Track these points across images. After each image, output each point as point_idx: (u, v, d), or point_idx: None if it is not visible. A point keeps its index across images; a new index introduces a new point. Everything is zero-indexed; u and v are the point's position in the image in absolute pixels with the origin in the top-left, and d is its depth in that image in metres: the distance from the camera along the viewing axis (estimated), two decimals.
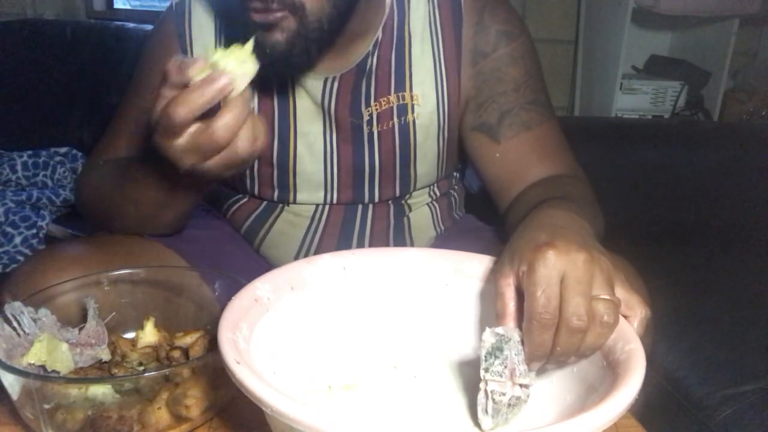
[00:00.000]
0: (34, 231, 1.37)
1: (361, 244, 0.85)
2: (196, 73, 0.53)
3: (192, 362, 0.56)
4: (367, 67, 0.78)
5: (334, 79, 0.77)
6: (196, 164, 0.56)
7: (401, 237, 0.87)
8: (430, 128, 0.81)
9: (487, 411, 0.47)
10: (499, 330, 0.47)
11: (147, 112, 0.78)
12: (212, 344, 0.58)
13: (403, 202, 0.87)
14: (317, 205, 0.84)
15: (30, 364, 0.55)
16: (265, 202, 0.86)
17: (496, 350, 0.47)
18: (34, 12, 1.90)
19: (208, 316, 0.64)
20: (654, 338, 0.78)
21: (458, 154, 0.88)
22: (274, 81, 0.79)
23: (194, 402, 0.52)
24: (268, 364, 0.48)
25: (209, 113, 0.54)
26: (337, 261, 0.58)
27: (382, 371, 0.57)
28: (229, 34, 0.79)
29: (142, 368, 0.59)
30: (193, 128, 0.54)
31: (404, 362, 0.58)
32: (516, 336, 0.47)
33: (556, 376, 0.51)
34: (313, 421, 0.35)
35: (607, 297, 0.45)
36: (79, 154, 1.63)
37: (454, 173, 0.95)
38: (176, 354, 0.58)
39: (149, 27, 1.69)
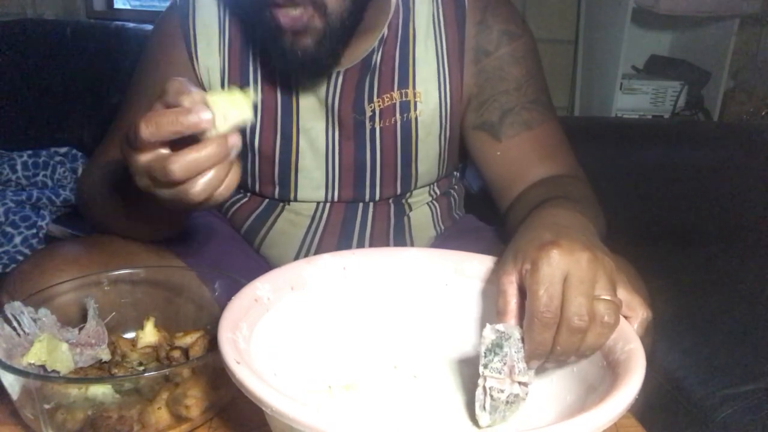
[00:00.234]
0: (34, 231, 1.37)
1: (361, 244, 0.85)
2: (187, 103, 0.49)
3: (192, 362, 0.56)
4: (372, 63, 0.78)
5: (338, 74, 0.77)
6: (149, 188, 0.52)
7: (401, 236, 0.87)
8: (432, 126, 0.81)
9: (484, 407, 0.47)
10: (500, 327, 0.47)
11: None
12: (212, 344, 0.58)
13: (403, 201, 0.87)
14: (318, 204, 0.84)
15: (30, 364, 0.55)
16: (265, 202, 0.86)
17: (496, 347, 0.47)
18: (34, 12, 1.90)
19: (208, 316, 0.64)
20: (654, 338, 0.78)
21: (459, 153, 0.88)
22: (278, 78, 0.79)
23: (194, 402, 0.52)
24: (268, 364, 0.48)
25: (188, 141, 0.49)
26: (337, 261, 0.58)
27: (382, 371, 0.57)
28: (234, 32, 0.79)
29: (142, 368, 0.59)
30: (155, 153, 0.50)
31: (404, 362, 0.58)
32: (516, 333, 0.47)
33: (556, 375, 0.51)
34: (313, 421, 0.35)
35: (608, 298, 0.45)
36: (79, 154, 1.63)
37: (455, 172, 0.95)
38: (176, 354, 0.58)
39: (149, 27, 1.69)
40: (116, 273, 0.65)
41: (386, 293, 0.59)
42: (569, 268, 0.45)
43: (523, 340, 0.47)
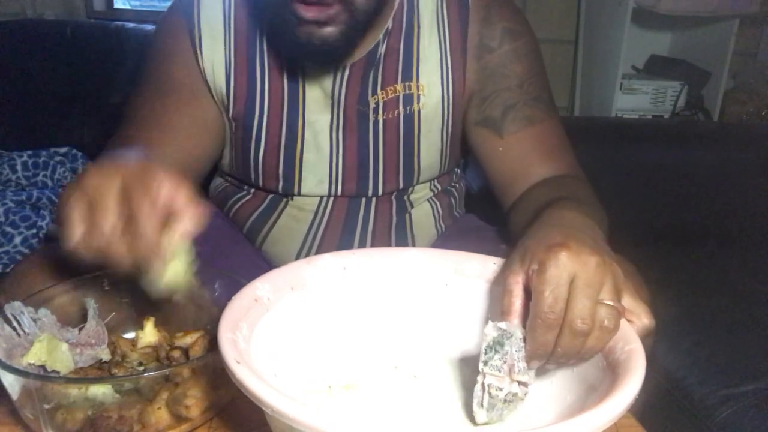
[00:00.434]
0: (34, 231, 1.37)
1: (363, 241, 0.85)
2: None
3: (192, 362, 0.56)
4: (377, 56, 0.79)
5: (345, 68, 0.78)
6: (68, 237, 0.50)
7: (403, 234, 0.88)
8: (435, 119, 0.82)
9: (482, 404, 0.47)
10: (502, 325, 0.47)
11: (160, 109, 0.77)
12: (212, 344, 0.58)
13: (405, 197, 0.87)
14: (321, 198, 0.85)
15: (30, 364, 0.55)
16: (269, 198, 0.87)
17: (497, 344, 0.47)
18: (34, 12, 1.90)
19: (208, 316, 0.64)
20: (654, 338, 0.78)
21: (461, 150, 0.89)
22: (284, 71, 0.79)
23: (194, 402, 0.52)
24: (268, 364, 0.48)
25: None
26: (337, 261, 0.58)
27: (382, 371, 0.57)
28: (239, 26, 0.79)
29: (142, 368, 0.59)
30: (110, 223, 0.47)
31: (404, 362, 0.58)
32: (518, 333, 0.47)
33: (556, 376, 0.51)
34: (313, 421, 0.35)
35: (611, 303, 0.45)
36: (79, 154, 1.63)
37: (455, 169, 0.95)
38: (176, 354, 0.58)
39: (149, 27, 1.70)
40: (117, 273, 0.65)
41: (386, 293, 0.59)
42: (576, 271, 0.45)
43: (524, 339, 0.47)
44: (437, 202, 0.91)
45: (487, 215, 0.99)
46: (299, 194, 0.84)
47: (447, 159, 0.86)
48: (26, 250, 1.34)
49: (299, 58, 0.77)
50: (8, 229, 1.36)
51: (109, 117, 1.66)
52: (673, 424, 0.97)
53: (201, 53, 0.79)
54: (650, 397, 0.88)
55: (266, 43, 0.79)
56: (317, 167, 0.83)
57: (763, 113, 1.96)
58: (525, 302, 0.48)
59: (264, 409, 0.38)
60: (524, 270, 0.48)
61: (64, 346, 0.58)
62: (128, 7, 2.07)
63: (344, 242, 0.84)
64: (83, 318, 0.63)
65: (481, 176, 0.88)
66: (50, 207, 1.46)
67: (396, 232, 0.87)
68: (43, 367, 0.56)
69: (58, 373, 0.56)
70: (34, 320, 0.59)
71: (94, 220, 0.47)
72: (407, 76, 0.80)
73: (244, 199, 0.89)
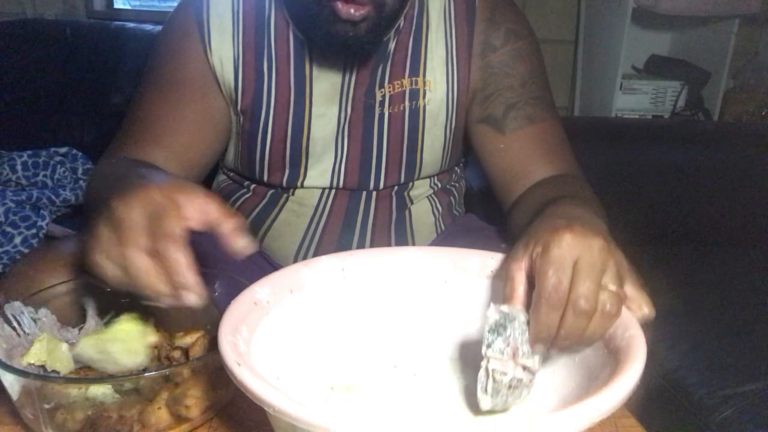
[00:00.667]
0: (34, 231, 1.37)
1: (363, 237, 0.85)
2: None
3: (192, 362, 0.56)
4: (387, 51, 0.81)
5: (356, 62, 0.80)
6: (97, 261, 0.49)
7: (402, 230, 0.88)
8: (439, 115, 0.83)
9: (486, 390, 0.46)
10: (504, 308, 0.46)
11: (168, 104, 0.78)
12: (212, 344, 0.58)
13: (405, 193, 0.88)
14: (323, 191, 0.85)
15: (30, 364, 0.55)
16: (269, 193, 0.87)
17: (500, 327, 0.46)
18: (34, 12, 1.90)
19: (208, 316, 0.64)
20: (654, 338, 0.78)
21: (462, 149, 0.90)
22: (292, 66, 0.80)
23: (194, 402, 0.52)
24: (269, 367, 0.48)
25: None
26: (335, 263, 0.58)
27: (382, 371, 0.57)
28: (248, 22, 0.80)
29: (142, 368, 0.59)
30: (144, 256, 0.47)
31: (404, 361, 0.58)
32: (522, 317, 0.46)
33: (558, 365, 0.51)
34: (315, 419, 0.35)
35: (613, 288, 0.45)
36: (79, 154, 1.63)
37: (456, 168, 0.96)
38: (176, 354, 0.58)
39: (149, 27, 1.70)
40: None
41: (385, 293, 0.59)
42: (580, 253, 0.45)
43: (527, 324, 0.46)
44: (436, 200, 0.91)
45: (487, 215, 0.99)
46: (302, 186, 0.85)
47: (449, 156, 0.87)
48: (26, 251, 1.34)
49: (333, 53, 0.79)
50: (8, 229, 1.36)
51: (109, 117, 1.67)
52: (673, 424, 0.97)
53: (210, 48, 0.79)
54: (650, 397, 0.88)
55: (274, 37, 0.80)
56: (322, 158, 0.83)
57: (763, 113, 1.95)
58: (528, 291, 0.48)
59: (266, 409, 0.38)
60: (528, 254, 0.48)
61: (64, 346, 0.58)
62: (128, 7, 2.07)
63: (344, 238, 0.85)
64: (83, 318, 0.63)
65: (482, 176, 0.89)
66: (50, 207, 1.46)
67: (396, 229, 0.87)
68: (43, 367, 0.56)
69: (58, 373, 0.56)
70: (34, 320, 0.59)
71: (125, 260, 0.47)
72: (414, 72, 0.82)
73: (245, 197, 0.89)
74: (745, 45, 2.01)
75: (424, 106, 0.82)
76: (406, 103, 0.82)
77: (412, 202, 0.89)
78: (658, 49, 2.17)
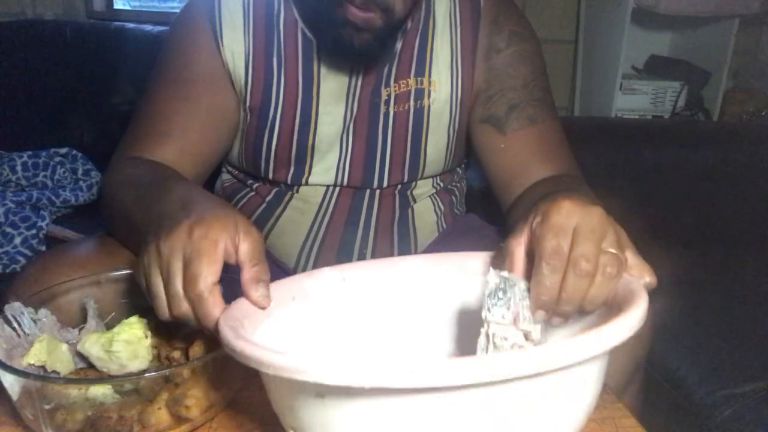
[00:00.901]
0: (34, 231, 1.37)
1: (366, 235, 0.86)
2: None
3: (192, 362, 0.56)
4: (394, 51, 0.82)
5: (364, 64, 0.80)
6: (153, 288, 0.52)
7: (405, 229, 0.88)
8: (443, 115, 0.84)
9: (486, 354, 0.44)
10: (504, 273, 0.46)
11: (179, 100, 0.78)
12: (212, 344, 0.58)
13: (407, 192, 0.89)
14: (326, 189, 0.86)
15: (30, 365, 0.55)
16: (273, 191, 0.87)
17: (500, 291, 0.45)
18: (34, 12, 1.90)
19: None
20: (654, 338, 0.78)
21: (465, 150, 0.91)
22: (300, 63, 0.81)
23: (194, 402, 0.52)
24: None
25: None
26: (337, 273, 0.58)
27: None
28: (259, 18, 0.81)
29: (142, 369, 0.59)
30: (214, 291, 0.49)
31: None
32: (522, 284, 0.46)
33: (558, 328, 0.50)
34: (315, 369, 0.35)
35: (613, 251, 0.45)
36: (79, 154, 1.63)
37: (458, 168, 0.96)
38: (176, 354, 0.58)
39: (149, 27, 1.71)
40: (116, 273, 0.65)
41: (386, 301, 0.59)
42: (580, 220, 0.45)
43: (528, 291, 0.46)
44: (438, 199, 0.92)
45: (487, 215, 0.99)
46: (307, 183, 0.85)
47: (452, 156, 0.88)
48: (26, 251, 1.34)
49: (342, 57, 0.79)
50: (8, 229, 1.36)
51: (109, 117, 1.67)
52: (673, 424, 0.97)
53: (222, 43, 0.80)
54: (650, 397, 0.88)
55: (283, 35, 0.81)
56: (327, 156, 0.84)
57: (763, 113, 1.95)
58: (528, 267, 0.47)
59: (265, 371, 0.38)
60: (528, 226, 0.48)
61: (64, 347, 0.58)
62: (128, 7, 2.07)
63: (347, 235, 0.85)
64: (83, 318, 0.63)
65: (482, 177, 0.89)
66: (50, 208, 1.46)
67: (398, 227, 0.88)
68: (43, 367, 0.56)
69: (58, 373, 0.56)
70: (34, 321, 0.59)
71: (170, 292, 0.50)
72: (420, 72, 0.83)
73: (249, 196, 0.90)
74: (745, 45, 2.01)
75: (429, 106, 0.83)
76: (411, 102, 0.83)
77: (414, 201, 0.89)
78: (658, 49, 2.16)
